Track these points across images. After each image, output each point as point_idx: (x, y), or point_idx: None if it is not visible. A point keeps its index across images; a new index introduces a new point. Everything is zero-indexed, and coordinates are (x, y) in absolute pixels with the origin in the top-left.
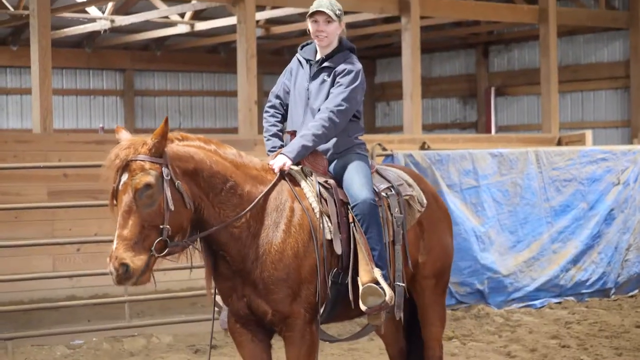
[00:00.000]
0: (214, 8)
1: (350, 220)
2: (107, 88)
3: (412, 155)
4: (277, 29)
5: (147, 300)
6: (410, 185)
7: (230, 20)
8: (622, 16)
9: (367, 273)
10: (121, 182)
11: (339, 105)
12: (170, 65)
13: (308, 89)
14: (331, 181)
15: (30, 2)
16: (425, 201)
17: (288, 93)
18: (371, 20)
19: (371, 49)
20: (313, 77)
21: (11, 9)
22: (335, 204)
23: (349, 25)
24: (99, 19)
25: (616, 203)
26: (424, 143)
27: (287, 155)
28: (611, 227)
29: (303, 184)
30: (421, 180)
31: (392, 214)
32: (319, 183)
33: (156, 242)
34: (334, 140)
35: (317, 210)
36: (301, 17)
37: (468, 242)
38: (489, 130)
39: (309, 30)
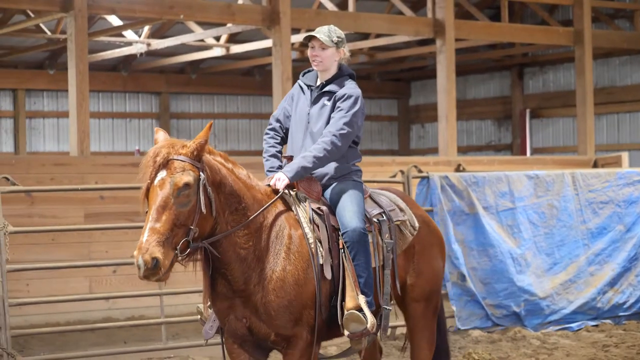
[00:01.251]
0: (249, 31)
1: (340, 246)
2: (142, 111)
3: (447, 177)
4: None
5: (183, 322)
6: (402, 210)
7: (266, 43)
8: None
9: (352, 299)
10: (158, 178)
11: (341, 129)
12: (206, 88)
13: (309, 114)
14: (324, 208)
15: (68, 26)
16: (417, 225)
17: (288, 117)
18: (405, 43)
19: (405, 71)
20: (314, 102)
21: (48, 33)
22: (327, 230)
23: (384, 48)
24: (135, 43)
25: None
26: (459, 165)
27: (285, 175)
28: None
29: (297, 209)
30: (414, 205)
31: (382, 239)
32: (312, 209)
33: (182, 241)
34: (332, 165)
35: (310, 236)
36: None
37: (504, 264)
38: (524, 153)
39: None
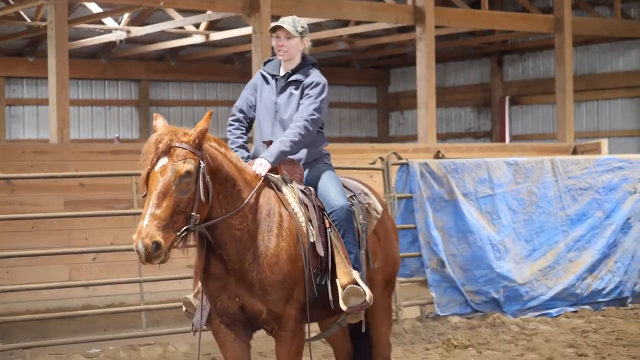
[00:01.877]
0: (229, 18)
1: (327, 225)
2: (122, 98)
3: (427, 164)
4: None
5: (163, 309)
6: (366, 194)
7: (245, 31)
8: (637, 26)
9: (346, 275)
10: (160, 164)
11: (312, 114)
12: (185, 76)
13: (276, 103)
14: (311, 188)
15: (48, 14)
16: (380, 209)
17: (252, 107)
18: (385, 30)
19: (385, 58)
20: (280, 91)
21: (28, 20)
22: (315, 210)
23: (364, 35)
24: (114, 30)
25: (633, 212)
26: (439, 152)
27: (266, 159)
28: (628, 235)
29: (285, 190)
30: (373, 191)
31: (356, 220)
32: (300, 190)
33: (183, 228)
34: (304, 151)
35: (300, 215)
36: (316, 27)
37: (483, 251)
38: (503, 140)
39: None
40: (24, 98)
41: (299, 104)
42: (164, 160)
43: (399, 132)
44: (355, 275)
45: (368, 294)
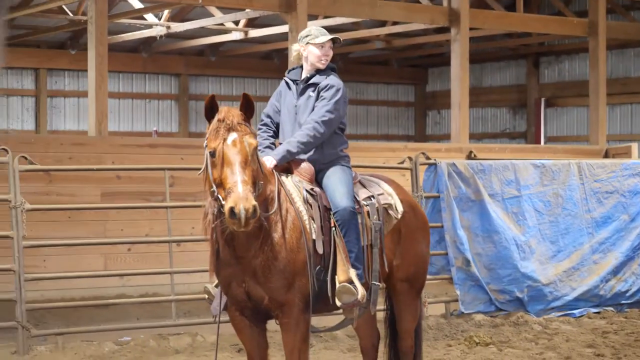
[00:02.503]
0: (268, 16)
1: (332, 225)
2: (162, 92)
3: (454, 164)
4: None
5: (193, 300)
6: (389, 195)
7: (284, 28)
8: None
9: (344, 273)
10: (231, 139)
11: (323, 116)
12: (224, 71)
13: (296, 106)
14: (317, 189)
15: (88, 9)
16: (401, 209)
17: (278, 112)
18: (422, 30)
19: (423, 57)
20: (300, 94)
21: (70, 14)
22: (320, 209)
23: (401, 35)
24: (155, 25)
25: None
26: (471, 152)
27: (273, 157)
28: None
29: (292, 189)
30: (402, 191)
31: (370, 220)
32: (306, 190)
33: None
34: (321, 151)
35: (304, 213)
36: (353, 25)
37: (508, 251)
38: (538, 141)
39: (300, 54)
40: (65, 90)
41: (314, 106)
42: (234, 135)
43: (436, 131)
44: (352, 273)
45: (360, 292)
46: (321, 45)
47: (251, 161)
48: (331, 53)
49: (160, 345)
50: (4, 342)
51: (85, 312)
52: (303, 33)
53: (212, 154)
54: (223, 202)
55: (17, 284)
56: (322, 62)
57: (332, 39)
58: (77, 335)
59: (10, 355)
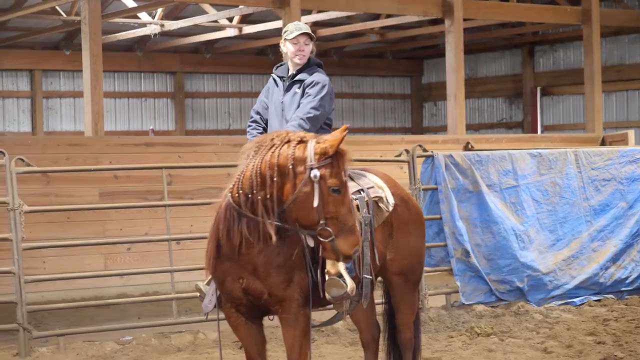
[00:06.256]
0: (261, 12)
1: None
2: (157, 90)
3: (452, 156)
4: (323, 32)
5: (193, 298)
6: (380, 188)
7: (278, 24)
8: None
9: (333, 266)
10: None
11: (308, 112)
12: (220, 68)
13: (282, 102)
14: None
15: (81, 9)
16: (392, 202)
17: (266, 109)
18: (417, 22)
19: (418, 49)
20: (286, 91)
21: (64, 14)
22: None
23: (396, 27)
24: (149, 24)
25: None
26: (468, 143)
27: None
28: None
29: None
30: (393, 184)
31: (360, 214)
32: None
33: None
34: None
35: None
36: (347, 19)
37: (508, 241)
38: (535, 130)
39: (281, 50)
40: (60, 90)
41: (300, 103)
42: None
43: (432, 123)
44: (341, 267)
45: (349, 285)
46: (295, 41)
47: None
48: (307, 48)
49: (162, 344)
50: (6, 345)
51: (86, 313)
52: (283, 29)
53: (336, 191)
54: (333, 236)
55: (17, 286)
56: (298, 57)
57: (307, 34)
58: (79, 335)
59: (12, 357)
